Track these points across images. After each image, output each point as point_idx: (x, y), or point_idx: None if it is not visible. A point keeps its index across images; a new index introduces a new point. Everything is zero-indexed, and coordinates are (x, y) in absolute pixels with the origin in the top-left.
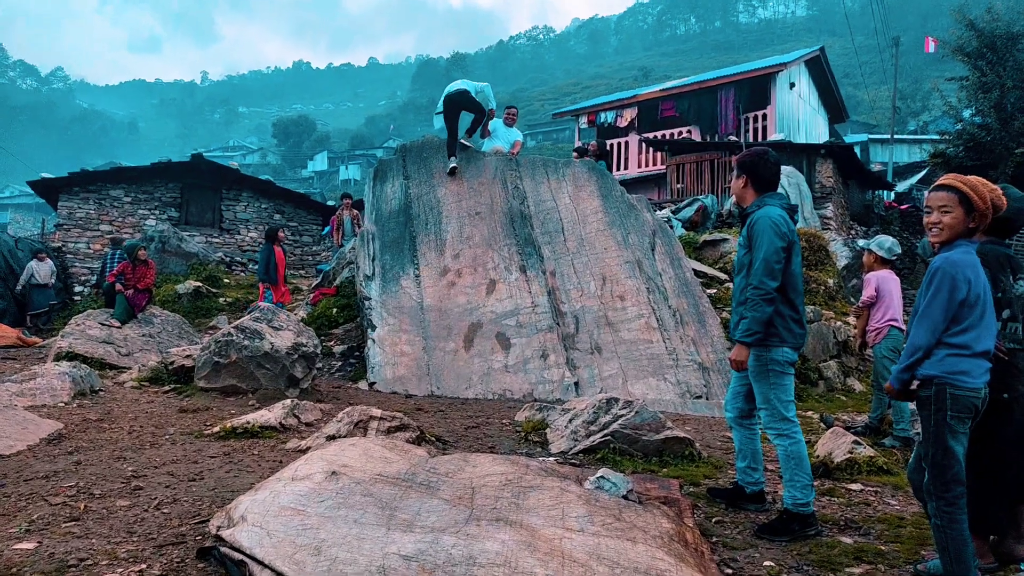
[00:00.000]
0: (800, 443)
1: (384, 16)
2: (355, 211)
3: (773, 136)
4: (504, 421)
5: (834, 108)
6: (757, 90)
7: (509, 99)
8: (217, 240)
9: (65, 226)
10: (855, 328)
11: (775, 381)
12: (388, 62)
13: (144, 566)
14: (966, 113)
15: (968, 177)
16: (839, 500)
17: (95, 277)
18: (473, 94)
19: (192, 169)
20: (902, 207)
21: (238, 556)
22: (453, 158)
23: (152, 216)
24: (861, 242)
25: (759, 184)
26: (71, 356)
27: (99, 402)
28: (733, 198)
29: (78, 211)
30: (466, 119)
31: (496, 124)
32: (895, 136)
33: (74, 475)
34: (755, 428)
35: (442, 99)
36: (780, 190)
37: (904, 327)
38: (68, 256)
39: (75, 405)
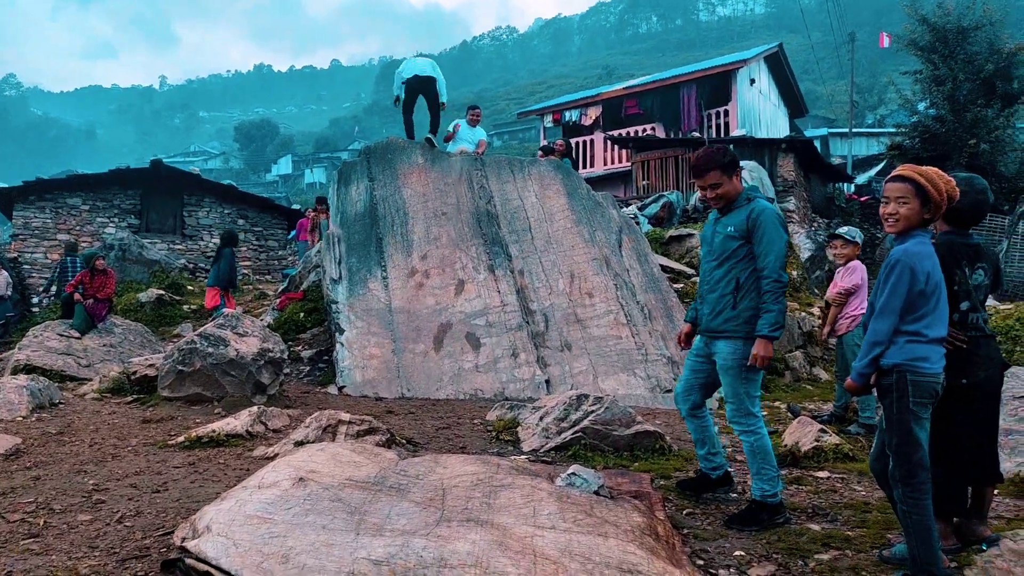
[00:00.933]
0: (765, 437)
1: (346, 18)
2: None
3: (735, 131)
4: (475, 421)
5: (794, 103)
6: (718, 87)
7: (474, 99)
8: (180, 247)
9: (21, 236)
10: (820, 318)
11: (748, 376)
12: (351, 64)
13: None
14: (921, 106)
15: (925, 168)
16: (807, 488)
17: (44, 283)
18: (439, 84)
19: (152, 175)
20: (862, 199)
21: (203, 568)
22: (413, 138)
23: (111, 224)
24: (843, 230)
25: (739, 179)
26: (29, 369)
27: (59, 415)
28: (698, 193)
29: (34, 220)
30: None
31: (461, 123)
32: (854, 130)
33: (33, 491)
34: (706, 414)
35: (409, 75)
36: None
37: None
38: (25, 267)
39: (34, 419)
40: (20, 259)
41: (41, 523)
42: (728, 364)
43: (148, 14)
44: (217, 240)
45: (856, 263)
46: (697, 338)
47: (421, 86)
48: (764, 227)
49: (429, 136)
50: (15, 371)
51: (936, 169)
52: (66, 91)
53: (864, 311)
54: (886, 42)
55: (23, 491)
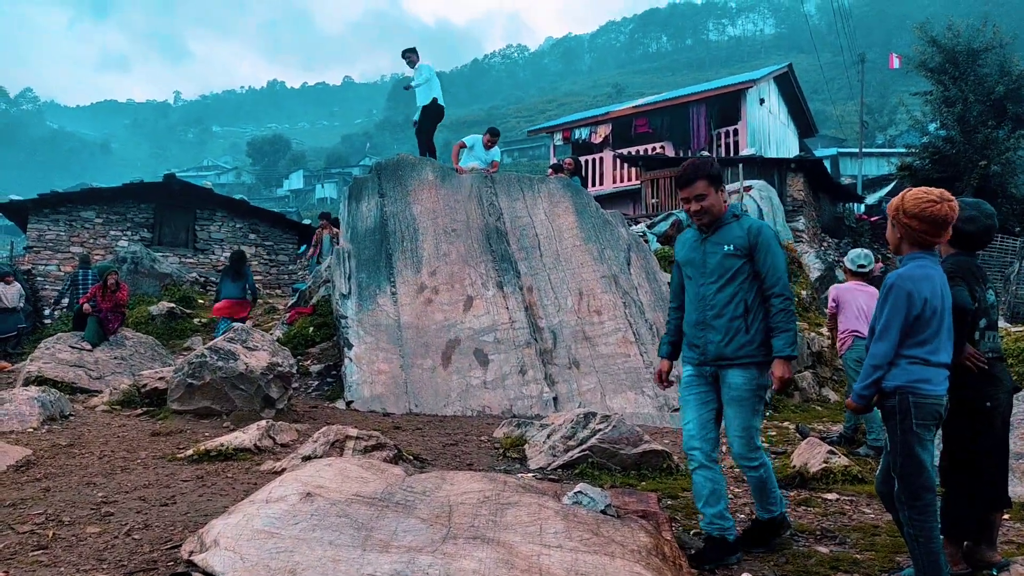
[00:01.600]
0: (769, 466)
1: (358, 35)
2: (335, 229)
3: (744, 151)
4: (483, 438)
5: (803, 123)
6: (728, 106)
7: (484, 116)
8: (191, 260)
9: (35, 248)
10: (829, 339)
11: (758, 408)
12: (363, 81)
13: None
14: (931, 127)
15: (907, 191)
16: (815, 510)
17: (56, 294)
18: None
19: (165, 189)
20: (872, 219)
21: None
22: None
23: (124, 237)
24: (851, 254)
25: (724, 194)
26: (40, 380)
27: (69, 427)
28: (695, 207)
29: (48, 233)
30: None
31: (475, 141)
32: (864, 150)
33: (42, 502)
34: (718, 471)
35: (437, 97)
36: (752, 203)
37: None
38: (38, 279)
39: (44, 430)
40: (34, 271)
41: (50, 535)
42: (743, 395)
43: (163, 29)
44: (229, 254)
45: (832, 287)
46: (687, 370)
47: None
48: (767, 243)
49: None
50: (27, 382)
51: (919, 190)
52: (82, 105)
53: (849, 332)
54: (896, 63)
55: (33, 503)
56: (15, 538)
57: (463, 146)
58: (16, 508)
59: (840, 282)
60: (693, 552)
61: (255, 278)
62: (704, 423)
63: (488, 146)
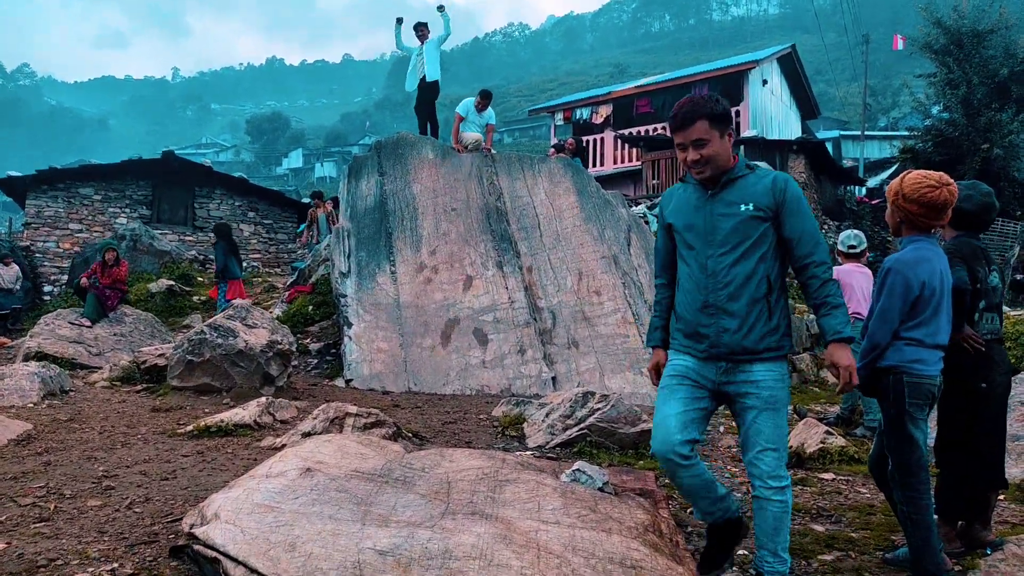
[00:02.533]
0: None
1: (358, 12)
2: (329, 207)
3: (746, 132)
4: (481, 416)
5: (806, 105)
6: (730, 87)
7: None
8: (190, 238)
9: (33, 225)
10: None
11: (785, 408)
12: (363, 59)
13: (116, 565)
14: (934, 109)
15: (906, 175)
16: (812, 489)
17: (56, 270)
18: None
19: (164, 166)
20: (873, 202)
21: (211, 554)
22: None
23: (123, 214)
24: (842, 236)
25: (731, 141)
26: (40, 356)
27: (69, 402)
28: (693, 157)
29: (46, 210)
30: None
31: (467, 108)
32: (866, 132)
33: (44, 476)
34: (699, 460)
35: (425, 76)
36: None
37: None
38: (36, 256)
39: (45, 405)
40: (32, 248)
41: (52, 508)
42: (775, 396)
43: (161, 4)
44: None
45: (833, 269)
46: (684, 360)
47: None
48: (797, 200)
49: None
50: (26, 358)
51: (917, 173)
52: (80, 81)
53: (853, 311)
54: (900, 44)
55: (34, 476)
56: (17, 510)
57: (461, 119)
58: (17, 481)
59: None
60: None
61: (254, 256)
62: (688, 422)
63: (480, 109)
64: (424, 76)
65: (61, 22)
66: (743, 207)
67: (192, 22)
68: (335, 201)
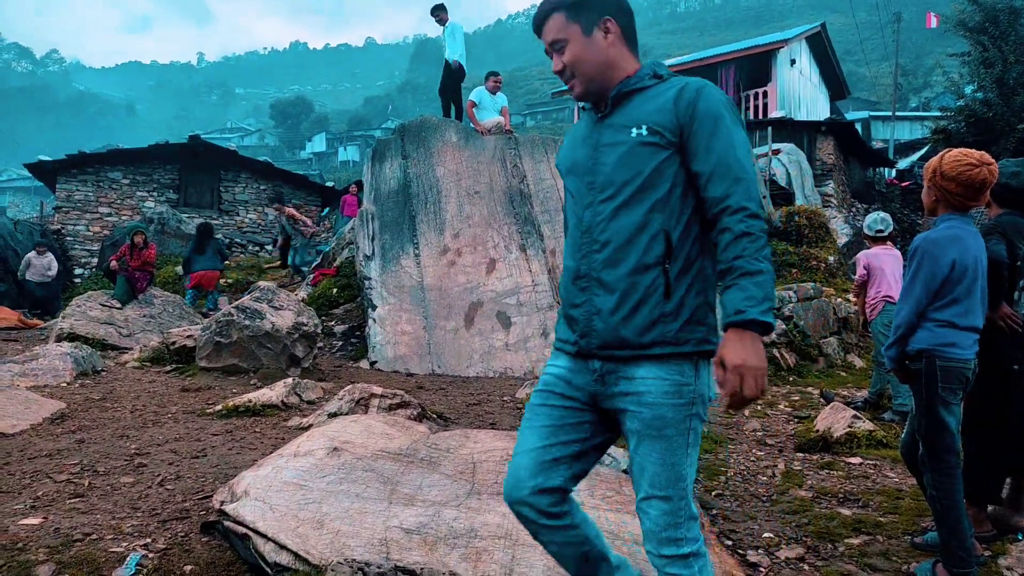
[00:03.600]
0: (710, 568)
1: None
2: (290, 210)
3: (774, 113)
4: (505, 398)
5: (835, 85)
6: (758, 67)
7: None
8: (216, 221)
9: (64, 209)
10: (855, 305)
11: (695, 439)
12: (386, 42)
13: (149, 540)
14: (968, 89)
15: (945, 153)
16: (838, 473)
17: (86, 253)
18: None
19: (190, 151)
20: (903, 184)
21: (242, 530)
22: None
23: (151, 198)
24: (867, 219)
25: (620, 41)
26: (72, 337)
27: (101, 382)
28: (556, 67)
29: (76, 193)
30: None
31: (480, 95)
32: (897, 113)
33: (78, 453)
34: (576, 510)
35: (449, 60)
36: (780, 167)
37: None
38: (67, 239)
39: (77, 385)
40: (63, 231)
41: (86, 484)
42: (665, 416)
43: None
44: (253, 216)
45: (860, 254)
46: (556, 363)
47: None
48: (715, 119)
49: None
50: (59, 339)
51: (954, 151)
52: (107, 66)
53: (881, 298)
54: (934, 22)
55: (68, 453)
56: (53, 486)
57: (474, 105)
58: (52, 458)
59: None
60: None
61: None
62: (549, 463)
63: (493, 91)
64: (447, 60)
65: (88, 8)
66: (634, 131)
67: (216, 7)
68: (359, 184)
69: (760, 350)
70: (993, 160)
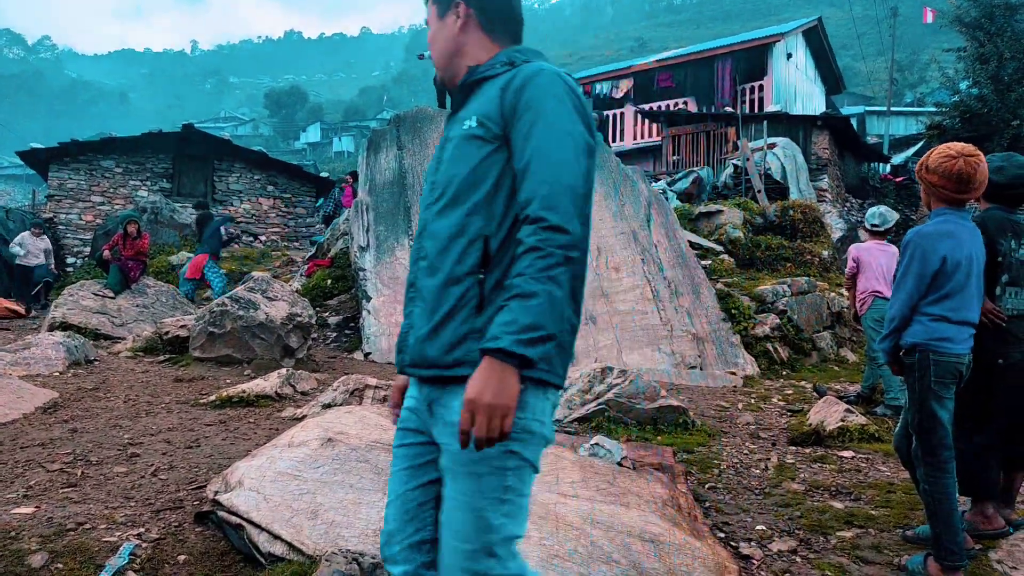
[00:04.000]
0: None
1: None
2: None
3: (769, 107)
4: None
5: (831, 79)
6: (754, 61)
7: None
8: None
9: (56, 197)
10: (849, 299)
11: (514, 484)
12: (381, 32)
13: (142, 530)
14: (963, 84)
15: (934, 149)
16: (830, 467)
17: (79, 242)
18: None
19: (184, 140)
20: (898, 179)
21: (236, 520)
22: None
23: (144, 187)
24: (869, 213)
25: (478, 30)
26: (65, 326)
27: (94, 372)
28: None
29: (69, 182)
30: None
31: None
32: (892, 108)
33: (71, 443)
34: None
35: None
36: (775, 161)
37: (888, 296)
38: (60, 227)
39: (70, 375)
40: (55, 219)
41: (79, 473)
42: (467, 451)
43: None
44: (247, 205)
45: (852, 247)
46: (412, 390)
47: None
48: (535, 107)
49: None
50: (51, 328)
51: (941, 147)
52: (99, 54)
53: (870, 292)
54: (930, 17)
55: (61, 443)
56: (45, 475)
57: None
58: (45, 448)
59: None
60: None
61: (273, 230)
62: (411, 512)
63: None
64: None
65: None
66: (465, 124)
67: None
68: (354, 175)
69: (508, 385)
70: (975, 152)
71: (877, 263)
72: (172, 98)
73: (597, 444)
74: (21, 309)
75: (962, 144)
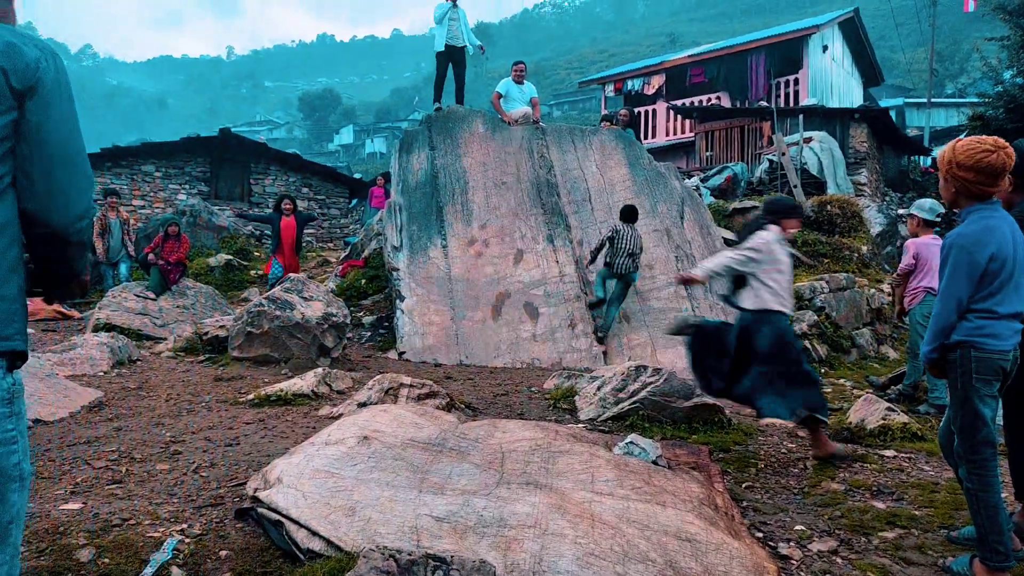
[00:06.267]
0: None
1: None
2: (124, 213)
3: (805, 101)
4: (532, 389)
5: (869, 71)
6: (788, 54)
7: (533, 68)
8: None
9: (99, 201)
10: (889, 295)
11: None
12: (412, 33)
13: (185, 526)
14: (1007, 74)
15: (956, 143)
16: (872, 466)
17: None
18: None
19: (221, 144)
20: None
21: (275, 516)
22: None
23: (183, 191)
24: (902, 211)
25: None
26: (108, 327)
27: (137, 371)
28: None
29: (111, 186)
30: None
31: (507, 87)
32: (932, 100)
33: (115, 440)
34: None
35: (448, 36)
36: (812, 155)
37: None
38: None
39: (114, 374)
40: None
41: (123, 471)
42: None
43: None
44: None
45: (910, 241)
46: None
47: (453, 55)
48: (55, 87)
49: (439, 107)
50: (95, 329)
51: (965, 140)
52: (139, 61)
53: (925, 285)
54: (971, 6)
55: (106, 441)
56: (91, 472)
57: (500, 96)
58: (91, 445)
59: (903, 237)
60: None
61: (308, 231)
62: None
63: (518, 80)
64: (447, 43)
65: (121, 4)
66: None
67: (245, 0)
68: (386, 176)
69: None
70: (1008, 144)
71: (935, 258)
72: (209, 103)
73: (632, 443)
74: (72, 312)
75: (991, 137)
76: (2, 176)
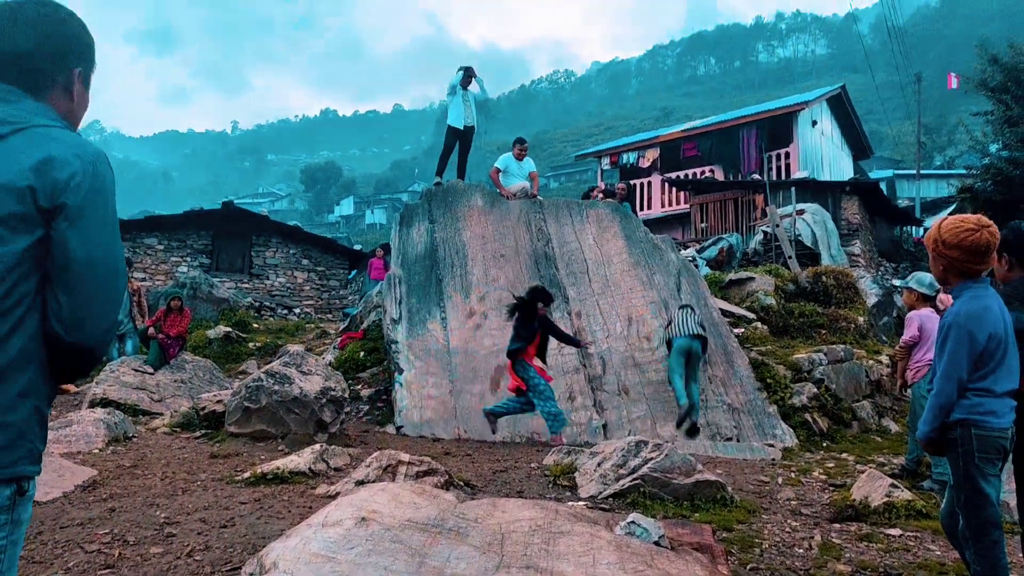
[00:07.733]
0: None
1: (408, 63)
2: (135, 283)
3: (796, 174)
4: (532, 464)
5: (858, 144)
6: (779, 128)
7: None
8: (247, 285)
9: None
10: (888, 367)
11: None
12: (413, 108)
13: None
14: (992, 147)
15: (942, 222)
16: (878, 546)
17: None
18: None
19: (223, 216)
20: None
21: None
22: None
23: (184, 263)
24: (897, 281)
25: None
26: (105, 402)
27: (132, 448)
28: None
29: None
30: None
31: (507, 162)
32: (921, 171)
33: (109, 522)
34: None
35: (464, 115)
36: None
37: None
38: None
39: (109, 452)
40: None
41: (116, 554)
42: None
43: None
44: (283, 279)
45: (913, 313)
46: None
47: (467, 135)
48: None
49: (439, 181)
50: (92, 404)
51: (950, 219)
52: (145, 135)
53: (930, 359)
54: (954, 83)
55: (99, 522)
56: (84, 556)
57: (499, 171)
58: (84, 527)
59: (900, 308)
60: None
61: (307, 302)
62: None
63: (519, 157)
64: (451, 123)
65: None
66: None
67: (250, 77)
68: (386, 247)
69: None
70: (991, 223)
71: (934, 331)
72: (213, 176)
73: (634, 523)
74: (68, 387)
75: (974, 215)
76: (22, 298)
